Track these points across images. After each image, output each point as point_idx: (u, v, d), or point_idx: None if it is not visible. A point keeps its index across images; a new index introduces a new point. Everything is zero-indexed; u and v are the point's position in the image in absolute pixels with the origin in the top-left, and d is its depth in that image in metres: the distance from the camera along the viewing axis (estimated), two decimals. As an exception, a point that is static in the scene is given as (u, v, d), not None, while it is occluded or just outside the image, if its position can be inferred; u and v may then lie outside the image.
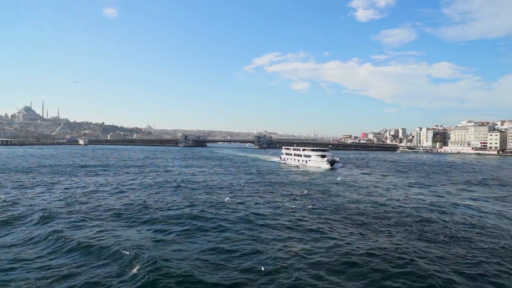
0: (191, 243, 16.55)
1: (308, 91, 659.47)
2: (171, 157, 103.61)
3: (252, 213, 23.37)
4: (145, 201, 27.26)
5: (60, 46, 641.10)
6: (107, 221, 20.67)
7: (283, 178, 47.39)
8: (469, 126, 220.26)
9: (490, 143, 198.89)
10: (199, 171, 56.23)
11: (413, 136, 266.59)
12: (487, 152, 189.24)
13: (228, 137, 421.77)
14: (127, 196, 29.68)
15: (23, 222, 20.49)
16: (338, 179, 46.90)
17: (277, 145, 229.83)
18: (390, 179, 49.03)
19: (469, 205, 28.44)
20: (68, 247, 15.87)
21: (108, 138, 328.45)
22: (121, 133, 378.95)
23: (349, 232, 18.78)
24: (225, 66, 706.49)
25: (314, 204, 27.18)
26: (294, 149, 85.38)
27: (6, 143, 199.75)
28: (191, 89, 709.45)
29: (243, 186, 37.77)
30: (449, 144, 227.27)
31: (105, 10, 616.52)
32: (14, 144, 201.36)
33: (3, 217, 21.14)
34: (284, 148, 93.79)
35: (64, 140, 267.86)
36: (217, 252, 15.18)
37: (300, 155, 78.07)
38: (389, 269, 13.35)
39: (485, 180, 49.38)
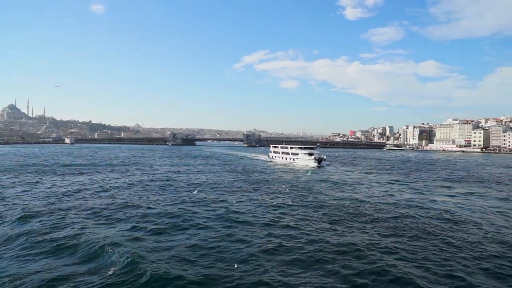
0: (168, 241, 16.72)
1: (298, 89, 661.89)
2: (158, 155, 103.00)
3: (233, 210, 23.62)
4: (127, 200, 27.24)
5: (45, 43, 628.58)
6: (88, 220, 20.64)
7: (269, 176, 47.78)
8: (454, 124, 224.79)
9: (474, 141, 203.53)
10: (184, 170, 56.15)
11: (400, 134, 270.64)
12: (471, 150, 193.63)
13: (218, 136, 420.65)
14: (110, 195, 29.57)
15: (1, 221, 20.32)
16: (323, 176, 47.51)
17: (267, 143, 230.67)
18: (373, 177, 49.90)
19: (446, 201, 29.26)
20: (45, 246, 15.87)
21: (96, 136, 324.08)
22: (109, 131, 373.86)
23: (325, 229, 19.19)
24: (214, 64, 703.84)
25: (295, 202, 27.58)
26: (282, 147, 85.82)
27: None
28: (180, 87, 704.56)
29: (227, 185, 37.97)
30: (435, 141, 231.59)
31: (92, 6, 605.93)
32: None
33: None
34: (272, 146, 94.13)
35: (50, 139, 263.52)
36: (193, 249, 15.38)
37: (288, 153, 78.55)
38: (359, 265, 13.74)
39: (464, 177, 50.66)
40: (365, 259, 14.34)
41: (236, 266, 13.39)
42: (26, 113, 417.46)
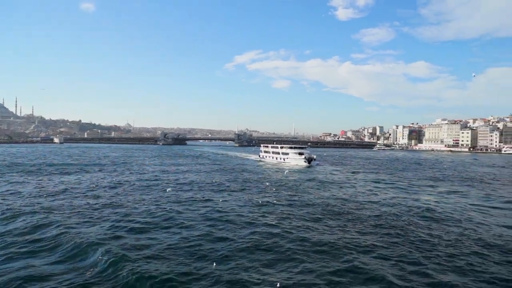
0: (150, 239, 16.77)
1: (290, 89, 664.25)
2: (148, 155, 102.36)
3: (217, 210, 23.74)
4: (112, 200, 27.14)
5: (34, 41, 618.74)
6: (71, 219, 20.56)
7: (257, 176, 47.96)
8: (442, 124, 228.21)
9: (462, 141, 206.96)
10: (173, 170, 55.98)
11: (390, 134, 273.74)
12: (459, 149, 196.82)
13: (209, 135, 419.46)
14: (95, 195, 29.38)
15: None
16: (311, 176, 47.88)
17: (258, 143, 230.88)
18: (361, 176, 50.47)
19: (428, 200, 29.78)
20: (27, 245, 15.93)
21: (85, 136, 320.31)
22: (99, 131, 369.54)
23: (307, 227, 19.43)
24: (206, 63, 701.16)
25: (280, 201, 27.81)
26: (272, 147, 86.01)
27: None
28: (171, 87, 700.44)
29: (214, 184, 38.02)
30: (424, 141, 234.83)
31: (82, 5, 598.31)
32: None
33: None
34: (263, 146, 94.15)
35: (38, 139, 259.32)
36: (173, 248, 15.45)
37: (278, 153, 78.79)
38: (335, 264, 13.96)
39: (449, 176, 51.59)
40: (342, 258, 14.58)
41: (214, 265, 13.51)
42: (14, 112, 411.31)
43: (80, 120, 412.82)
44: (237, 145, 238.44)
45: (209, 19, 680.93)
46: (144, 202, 26.35)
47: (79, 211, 22.84)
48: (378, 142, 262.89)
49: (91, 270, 13.25)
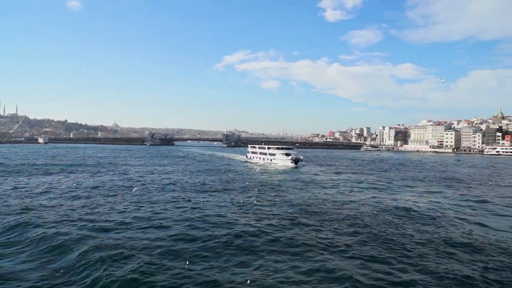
0: (126, 239, 16.80)
1: (278, 90, 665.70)
2: (134, 156, 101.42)
3: (197, 210, 23.84)
4: (92, 200, 26.97)
5: (19, 39, 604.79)
6: (47, 219, 20.44)
7: (242, 176, 48.15)
8: (427, 125, 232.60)
9: (446, 142, 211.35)
10: (158, 170, 55.70)
11: (377, 135, 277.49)
12: (443, 150, 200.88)
13: (198, 136, 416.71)
14: (75, 196, 29.12)
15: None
16: (296, 176, 48.34)
17: (246, 143, 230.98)
18: (344, 176, 51.17)
19: (407, 199, 30.48)
20: (3, 246, 15.91)
21: (71, 136, 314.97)
22: (85, 131, 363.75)
23: (283, 226, 19.75)
24: (195, 63, 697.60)
25: (261, 201, 28.07)
26: (259, 148, 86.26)
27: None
28: (160, 87, 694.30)
29: (198, 184, 38.04)
30: (410, 142, 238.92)
31: (68, 3, 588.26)
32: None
33: None
34: (250, 147, 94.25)
35: (22, 139, 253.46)
36: (148, 248, 15.51)
37: (265, 154, 79.06)
38: (307, 264, 14.24)
39: (429, 176, 52.80)
40: (314, 257, 14.87)
41: (187, 264, 13.68)
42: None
43: (66, 120, 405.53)
44: (225, 145, 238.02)
45: (198, 19, 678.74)
46: (124, 203, 26.25)
47: (57, 211, 22.72)
48: (365, 143, 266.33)
49: (65, 270, 13.34)
